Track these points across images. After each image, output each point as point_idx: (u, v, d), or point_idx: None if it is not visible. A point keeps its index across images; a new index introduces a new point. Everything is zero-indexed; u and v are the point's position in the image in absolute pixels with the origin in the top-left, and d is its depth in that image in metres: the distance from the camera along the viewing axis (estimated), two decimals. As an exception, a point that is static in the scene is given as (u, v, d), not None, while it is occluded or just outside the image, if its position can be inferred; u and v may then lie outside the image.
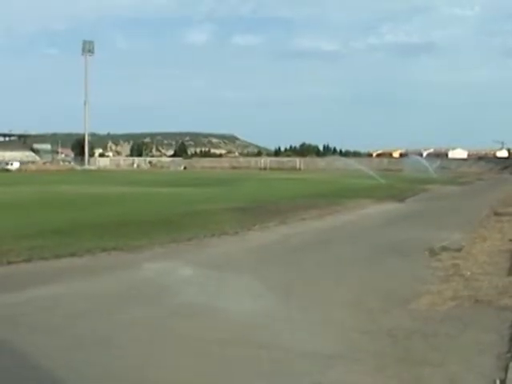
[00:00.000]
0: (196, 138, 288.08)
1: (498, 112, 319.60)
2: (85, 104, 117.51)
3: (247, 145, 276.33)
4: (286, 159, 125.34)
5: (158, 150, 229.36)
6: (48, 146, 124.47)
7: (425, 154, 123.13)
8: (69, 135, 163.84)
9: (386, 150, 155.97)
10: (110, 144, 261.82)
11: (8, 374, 4.53)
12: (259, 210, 18.08)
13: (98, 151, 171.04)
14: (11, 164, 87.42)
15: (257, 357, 4.95)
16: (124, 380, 4.53)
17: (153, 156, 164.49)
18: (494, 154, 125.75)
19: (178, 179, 49.13)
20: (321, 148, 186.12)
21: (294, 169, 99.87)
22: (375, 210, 20.13)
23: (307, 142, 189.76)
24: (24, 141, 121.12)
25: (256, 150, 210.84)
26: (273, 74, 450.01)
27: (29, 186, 35.63)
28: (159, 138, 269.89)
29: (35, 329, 5.70)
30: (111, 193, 28.28)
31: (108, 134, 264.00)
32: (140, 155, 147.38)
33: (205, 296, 7.13)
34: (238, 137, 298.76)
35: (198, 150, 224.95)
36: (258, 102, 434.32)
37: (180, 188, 33.07)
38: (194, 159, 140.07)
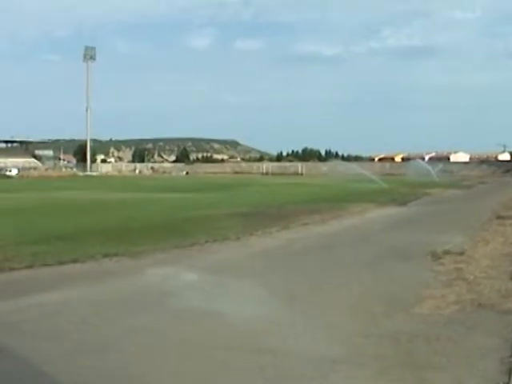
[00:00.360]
0: (198, 143, 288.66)
1: (501, 115, 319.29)
2: (87, 110, 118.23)
3: (249, 150, 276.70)
4: (288, 164, 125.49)
5: (159, 155, 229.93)
6: (50, 153, 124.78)
7: (427, 157, 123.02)
8: (71, 141, 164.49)
9: (388, 154, 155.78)
10: (112, 150, 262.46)
11: (10, 380, 4.54)
12: (261, 215, 18.09)
13: (99, 157, 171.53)
14: (10, 170, 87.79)
15: (260, 362, 4.94)
16: (126, 386, 4.54)
17: (155, 162, 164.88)
18: (496, 158, 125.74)
19: (180, 185, 49.21)
20: (323, 153, 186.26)
21: (296, 174, 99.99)
22: (378, 214, 20.11)
23: (309, 146, 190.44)
24: (26, 147, 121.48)
25: (258, 155, 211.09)
26: (274, 78, 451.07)
27: (31, 192, 35.67)
28: (161, 143, 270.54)
29: (37, 335, 5.71)
30: (113, 199, 28.33)
31: (110, 140, 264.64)
32: (142, 161, 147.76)
33: (207, 302, 7.13)
34: (240, 142, 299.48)
35: (199, 155, 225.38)
36: (260, 107, 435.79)
37: (182, 193, 33.09)
38: (196, 165, 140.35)
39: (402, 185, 41.46)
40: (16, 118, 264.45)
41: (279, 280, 8.48)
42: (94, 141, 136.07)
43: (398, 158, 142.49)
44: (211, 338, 5.60)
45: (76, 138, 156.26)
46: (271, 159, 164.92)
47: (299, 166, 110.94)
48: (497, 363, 4.82)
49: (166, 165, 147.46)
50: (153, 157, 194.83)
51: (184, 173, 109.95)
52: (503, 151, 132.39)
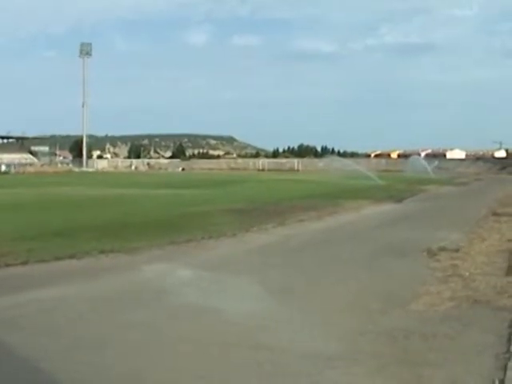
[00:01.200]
0: (194, 139, 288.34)
1: (497, 112, 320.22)
2: (83, 106, 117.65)
3: (245, 146, 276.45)
4: (284, 160, 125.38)
5: (155, 151, 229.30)
6: (46, 148, 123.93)
7: (423, 154, 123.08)
8: (67, 137, 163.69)
9: (384, 150, 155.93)
10: (108, 146, 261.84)
11: (7, 376, 4.54)
12: (257, 211, 18.08)
13: (96, 153, 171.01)
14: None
15: (257, 358, 4.96)
16: (123, 382, 4.54)
17: (151, 158, 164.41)
18: (492, 155, 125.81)
19: (176, 181, 49.07)
20: (319, 149, 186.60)
21: (292, 170, 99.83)
22: (373, 210, 20.13)
23: (305, 143, 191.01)
24: (22, 143, 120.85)
25: (254, 151, 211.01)
26: (271, 75, 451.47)
27: (26, 187, 35.54)
28: (157, 139, 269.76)
29: (34, 331, 5.70)
30: (109, 194, 28.25)
31: (106, 136, 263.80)
32: (138, 157, 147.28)
33: (204, 298, 7.14)
34: (236, 138, 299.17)
35: (195, 151, 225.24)
36: (256, 103, 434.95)
37: (178, 190, 33.01)
38: (192, 161, 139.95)
39: (397, 181, 41.46)
40: (12, 114, 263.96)
41: (276, 276, 8.50)
42: (90, 137, 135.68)
43: (394, 155, 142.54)
44: (208, 335, 5.61)
45: (72, 133, 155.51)
46: (267, 155, 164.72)
47: (295, 163, 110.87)
48: (492, 359, 4.85)
49: (162, 161, 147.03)
50: (149, 153, 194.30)
51: (180, 169, 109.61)
52: (499, 148, 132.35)
